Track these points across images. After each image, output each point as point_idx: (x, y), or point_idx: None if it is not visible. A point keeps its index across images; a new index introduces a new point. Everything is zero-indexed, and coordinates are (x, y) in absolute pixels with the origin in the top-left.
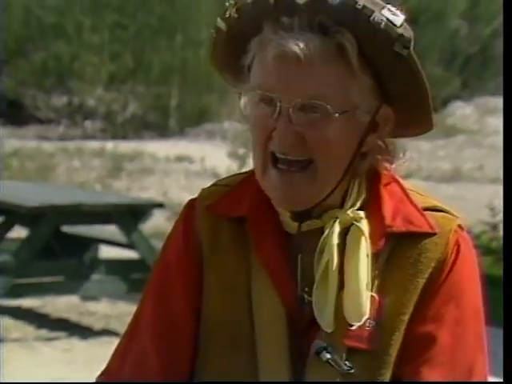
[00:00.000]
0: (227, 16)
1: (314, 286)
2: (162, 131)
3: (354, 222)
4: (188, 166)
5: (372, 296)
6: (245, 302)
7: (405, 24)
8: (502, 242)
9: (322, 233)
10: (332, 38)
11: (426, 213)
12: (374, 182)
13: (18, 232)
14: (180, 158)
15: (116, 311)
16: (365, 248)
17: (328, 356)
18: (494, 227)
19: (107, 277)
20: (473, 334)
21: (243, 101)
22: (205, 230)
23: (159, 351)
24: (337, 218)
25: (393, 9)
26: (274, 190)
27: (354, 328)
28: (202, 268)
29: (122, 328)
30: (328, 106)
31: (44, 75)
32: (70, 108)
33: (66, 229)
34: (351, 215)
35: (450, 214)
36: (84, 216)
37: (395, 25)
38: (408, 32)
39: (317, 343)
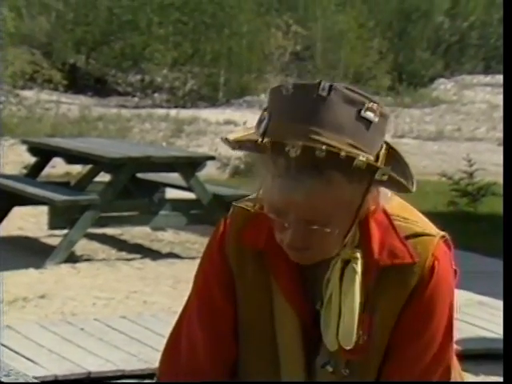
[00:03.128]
0: (228, 143)
1: (321, 313)
2: (213, 102)
3: (351, 262)
4: (233, 128)
5: (364, 316)
6: (268, 319)
7: (380, 125)
8: (476, 186)
9: (327, 260)
10: (322, 175)
11: (407, 241)
12: (365, 217)
13: (103, 177)
14: (227, 122)
15: (178, 239)
16: (358, 287)
17: (331, 369)
18: (470, 175)
19: (172, 212)
20: (441, 344)
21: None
22: (233, 259)
23: (206, 338)
24: (339, 255)
25: (369, 114)
26: (289, 254)
27: (348, 348)
28: (234, 283)
29: (183, 252)
30: (325, 229)
31: (122, 59)
32: (143, 84)
33: (140, 175)
34: (350, 252)
35: (430, 235)
36: (154, 166)
37: (374, 163)
38: (380, 137)
39: (322, 357)
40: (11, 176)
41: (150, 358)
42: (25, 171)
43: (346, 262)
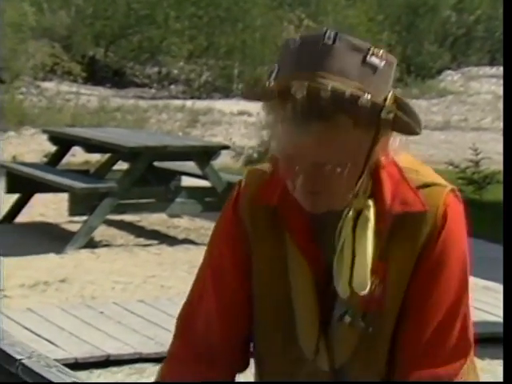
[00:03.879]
0: (241, 93)
1: (334, 262)
2: (227, 93)
3: (364, 210)
4: (247, 118)
5: (379, 265)
6: (282, 274)
7: (385, 70)
8: (481, 174)
9: (339, 212)
10: (329, 119)
11: (418, 191)
12: (376, 168)
13: (121, 165)
14: (241, 113)
15: (194, 225)
16: (371, 235)
17: (349, 319)
18: (476, 163)
19: (187, 200)
20: (458, 289)
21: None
22: (248, 219)
23: (223, 317)
24: (351, 204)
25: (374, 59)
26: (301, 201)
27: (366, 293)
28: (249, 245)
29: (198, 238)
30: (333, 167)
31: (140, 52)
32: (160, 76)
33: (157, 164)
34: (362, 201)
35: (440, 185)
36: (170, 154)
37: (379, 101)
38: (386, 82)
39: (339, 309)
40: (33, 164)
41: (167, 341)
42: (46, 160)
43: (359, 213)
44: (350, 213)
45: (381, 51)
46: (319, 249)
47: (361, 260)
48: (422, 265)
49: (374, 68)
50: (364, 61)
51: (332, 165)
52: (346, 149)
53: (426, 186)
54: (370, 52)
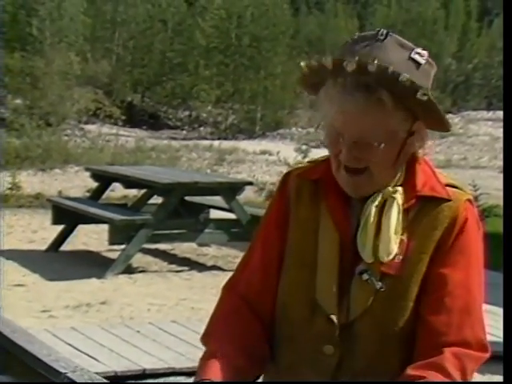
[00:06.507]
0: (302, 71)
1: (358, 232)
2: (250, 134)
3: (392, 195)
4: (268, 157)
5: (402, 239)
6: (313, 237)
7: (426, 69)
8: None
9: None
10: (373, 93)
11: (446, 187)
12: (412, 162)
13: (156, 199)
14: (263, 152)
15: (221, 254)
16: (395, 212)
17: (367, 276)
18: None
19: (215, 231)
20: (477, 274)
21: (321, 125)
22: (293, 190)
23: (263, 272)
24: (381, 192)
25: (418, 57)
26: (343, 184)
27: (386, 260)
28: (290, 208)
29: (225, 265)
30: (373, 143)
31: (173, 97)
32: (190, 119)
33: (188, 198)
34: (391, 190)
35: (464, 191)
36: (200, 190)
37: (416, 81)
38: (427, 79)
39: (360, 267)
40: (76, 198)
41: (197, 357)
42: (88, 194)
43: (386, 197)
44: (379, 196)
45: (424, 52)
46: (349, 219)
47: (385, 233)
48: (444, 250)
49: (418, 64)
50: (409, 57)
51: (372, 141)
52: (386, 127)
53: (453, 186)
54: (415, 51)
